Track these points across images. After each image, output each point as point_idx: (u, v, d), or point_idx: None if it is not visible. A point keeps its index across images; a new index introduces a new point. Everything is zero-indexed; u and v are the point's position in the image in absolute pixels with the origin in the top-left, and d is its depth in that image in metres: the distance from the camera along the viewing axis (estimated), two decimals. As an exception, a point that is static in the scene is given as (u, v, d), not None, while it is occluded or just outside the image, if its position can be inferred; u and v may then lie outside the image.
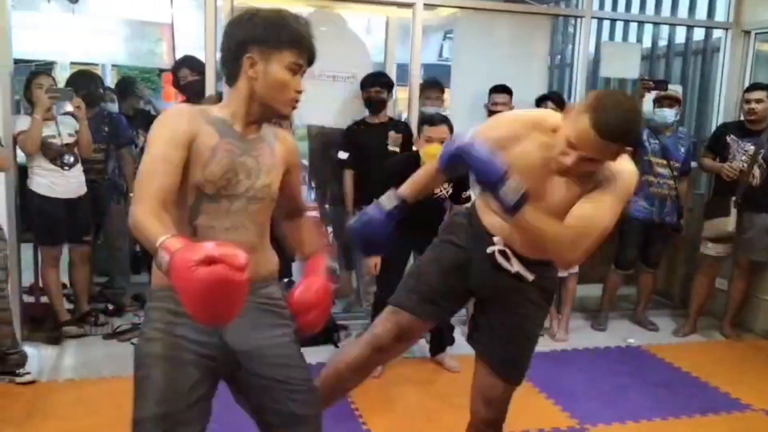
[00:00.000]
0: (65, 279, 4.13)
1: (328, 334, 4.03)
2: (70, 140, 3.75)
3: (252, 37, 1.58)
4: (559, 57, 6.15)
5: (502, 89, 4.17)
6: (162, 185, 1.47)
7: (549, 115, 2.01)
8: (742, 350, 4.25)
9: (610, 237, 4.53)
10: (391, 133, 3.92)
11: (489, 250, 2.03)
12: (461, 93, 4.49)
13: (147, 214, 1.40)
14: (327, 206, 4.74)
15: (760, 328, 4.48)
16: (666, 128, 4.32)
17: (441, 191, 3.42)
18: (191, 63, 4.10)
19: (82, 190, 3.85)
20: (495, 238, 2.03)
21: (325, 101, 4.14)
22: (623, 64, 4.72)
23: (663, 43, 5.53)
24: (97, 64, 6.47)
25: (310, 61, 1.65)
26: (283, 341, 1.70)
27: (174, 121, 1.55)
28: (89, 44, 6.10)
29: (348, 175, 4.02)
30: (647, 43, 5.54)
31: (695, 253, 4.53)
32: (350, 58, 4.15)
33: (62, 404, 3.13)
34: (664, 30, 5.52)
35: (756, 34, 4.69)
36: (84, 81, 4.17)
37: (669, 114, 4.26)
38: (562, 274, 4.20)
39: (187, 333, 1.57)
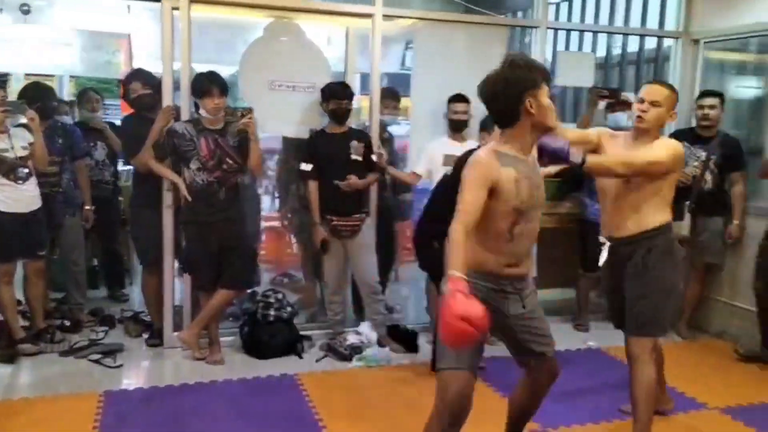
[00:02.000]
0: (20, 295, 4.03)
1: (292, 345, 4.01)
2: (24, 153, 3.67)
3: (530, 83, 2.17)
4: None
5: (461, 98, 4.22)
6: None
7: None
8: (697, 351, 4.35)
9: (573, 241, 4.59)
10: (354, 143, 3.94)
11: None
12: (421, 102, 4.53)
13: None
14: (289, 215, 4.73)
15: (714, 329, 4.60)
16: None
17: None
18: (143, 76, 4.02)
19: (37, 203, 3.77)
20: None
21: (285, 111, 4.13)
22: (578, 73, 4.82)
23: (617, 52, 5.67)
24: (53, 76, 6.35)
25: None
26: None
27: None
28: (44, 55, 5.99)
29: (312, 186, 4.00)
30: (602, 52, 5.68)
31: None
32: (309, 68, 4.15)
33: (18, 425, 3.04)
34: (618, 40, 5.67)
35: (704, 42, 4.84)
36: (37, 93, 4.08)
37: (621, 118, 4.36)
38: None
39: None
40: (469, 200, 2.16)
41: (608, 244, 2.93)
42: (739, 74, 4.99)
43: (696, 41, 4.86)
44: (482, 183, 2.17)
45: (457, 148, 4.25)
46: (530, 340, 2.47)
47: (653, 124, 2.76)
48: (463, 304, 1.93)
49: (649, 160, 2.68)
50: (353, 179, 3.92)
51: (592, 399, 3.51)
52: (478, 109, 4.27)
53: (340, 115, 3.93)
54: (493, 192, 2.19)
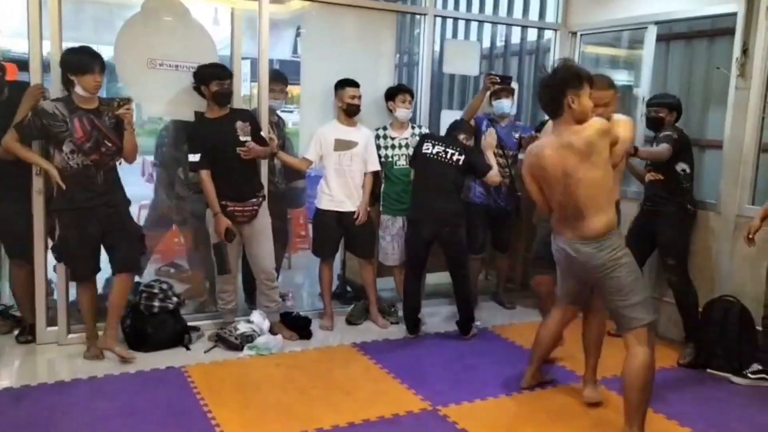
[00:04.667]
0: None
1: (178, 337, 3.87)
2: None
3: (569, 83, 2.71)
4: (407, 56, 6.33)
5: (352, 83, 4.22)
6: None
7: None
8: (573, 325, 4.57)
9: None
10: (239, 123, 3.82)
11: None
12: (311, 87, 4.48)
13: None
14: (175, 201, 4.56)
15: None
16: (502, 118, 4.57)
17: None
18: None
19: None
20: None
21: (168, 92, 3.95)
22: (464, 62, 4.94)
23: (501, 42, 5.86)
24: None
25: None
26: None
27: None
28: None
29: (205, 176, 3.80)
30: (487, 42, 5.85)
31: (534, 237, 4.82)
32: (194, 48, 3.98)
33: None
34: (503, 30, 5.86)
35: (581, 35, 5.11)
36: None
37: (506, 104, 4.53)
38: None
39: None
40: None
41: None
42: (612, 67, 5.31)
43: (574, 33, 5.11)
44: None
45: (349, 133, 4.26)
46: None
47: None
48: None
49: None
50: (252, 145, 3.80)
51: (479, 376, 3.63)
52: (366, 95, 4.31)
53: (223, 96, 3.79)
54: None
